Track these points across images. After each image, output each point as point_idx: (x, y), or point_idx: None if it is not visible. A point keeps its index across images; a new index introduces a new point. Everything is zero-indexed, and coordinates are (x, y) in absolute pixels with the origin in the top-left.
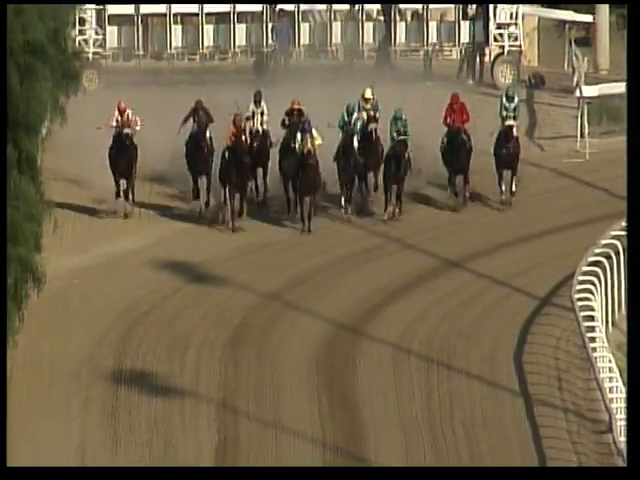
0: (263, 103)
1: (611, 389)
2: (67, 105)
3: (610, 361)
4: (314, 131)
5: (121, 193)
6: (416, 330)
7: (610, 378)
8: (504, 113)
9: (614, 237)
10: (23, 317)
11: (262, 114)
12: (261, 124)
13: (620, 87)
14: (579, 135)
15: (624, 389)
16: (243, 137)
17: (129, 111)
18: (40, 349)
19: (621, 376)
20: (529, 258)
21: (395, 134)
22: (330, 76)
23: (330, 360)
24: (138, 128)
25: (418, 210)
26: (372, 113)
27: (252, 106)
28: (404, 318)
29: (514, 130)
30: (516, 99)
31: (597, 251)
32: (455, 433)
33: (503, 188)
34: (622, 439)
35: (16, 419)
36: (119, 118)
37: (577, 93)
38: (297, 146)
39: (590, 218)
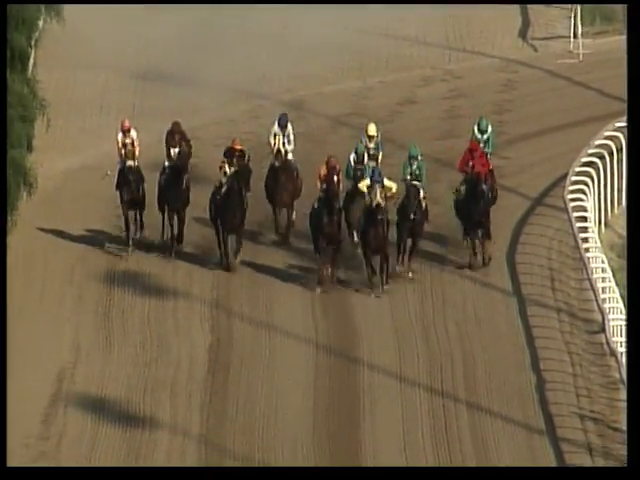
0: (290, 128)
1: (604, 289)
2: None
3: (603, 261)
4: (386, 180)
5: (130, 226)
6: None
7: (603, 278)
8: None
9: (607, 138)
10: (15, 218)
11: (288, 142)
12: (285, 152)
13: None
14: (572, 36)
15: (617, 289)
16: (336, 181)
17: (133, 131)
18: (33, 249)
19: (614, 276)
20: (522, 158)
21: (409, 177)
22: None
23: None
24: (136, 156)
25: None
26: (375, 154)
27: (276, 128)
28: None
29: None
30: (489, 130)
31: (590, 152)
32: (448, 333)
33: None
34: (615, 339)
35: (10, 320)
36: (125, 141)
37: None
38: (366, 197)
39: (583, 119)
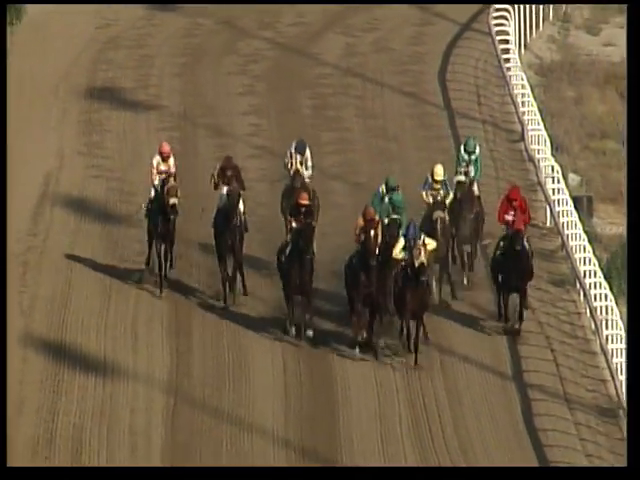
0: (308, 154)
1: (523, 103)
2: None
3: (522, 79)
4: (425, 237)
5: (157, 261)
6: (353, 51)
7: (523, 94)
8: (461, 169)
9: None
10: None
11: (306, 167)
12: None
13: None
14: None
15: (535, 103)
16: (373, 235)
17: (172, 159)
18: (21, 69)
19: (532, 92)
20: None
21: (385, 217)
22: None
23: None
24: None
25: None
26: (440, 197)
27: (292, 151)
28: (341, 42)
29: (474, 190)
30: (477, 151)
31: None
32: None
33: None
34: (532, 147)
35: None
36: (160, 168)
37: None
38: (402, 255)
39: None
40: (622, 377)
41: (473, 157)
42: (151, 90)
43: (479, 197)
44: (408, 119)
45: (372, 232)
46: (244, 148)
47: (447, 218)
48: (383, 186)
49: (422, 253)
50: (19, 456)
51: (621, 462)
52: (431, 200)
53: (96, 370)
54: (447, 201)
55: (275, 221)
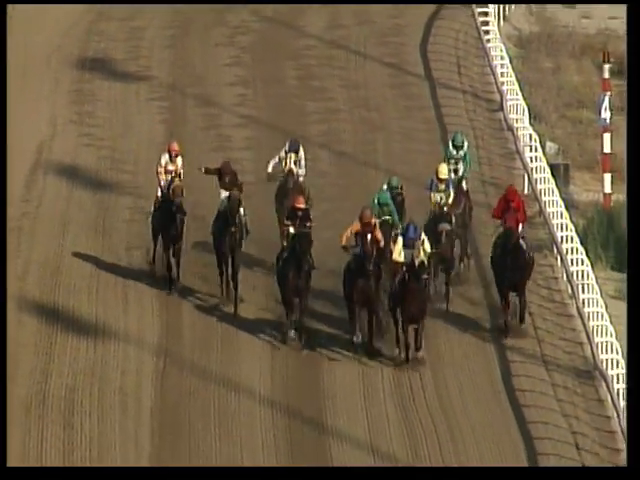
0: (301, 153)
1: (502, 74)
2: None
3: (502, 50)
4: (424, 236)
5: (165, 261)
6: (336, 24)
7: (502, 65)
8: (450, 166)
9: None
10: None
11: (299, 167)
12: (297, 174)
13: None
14: None
15: (513, 73)
16: (370, 239)
17: (180, 159)
18: (15, 40)
19: (511, 63)
20: None
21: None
22: None
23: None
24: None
25: None
26: (444, 202)
27: (283, 153)
28: (325, 15)
29: (462, 186)
30: (465, 146)
31: None
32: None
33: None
34: (511, 116)
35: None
36: (168, 168)
37: None
38: (402, 258)
39: None
40: (598, 339)
41: (461, 152)
42: (141, 61)
43: (467, 192)
44: (390, 89)
45: (369, 236)
46: (231, 117)
47: (452, 229)
48: (385, 186)
49: (421, 252)
50: (13, 416)
51: (596, 422)
52: (438, 199)
53: (88, 333)
54: (450, 200)
55: (264, 208)
